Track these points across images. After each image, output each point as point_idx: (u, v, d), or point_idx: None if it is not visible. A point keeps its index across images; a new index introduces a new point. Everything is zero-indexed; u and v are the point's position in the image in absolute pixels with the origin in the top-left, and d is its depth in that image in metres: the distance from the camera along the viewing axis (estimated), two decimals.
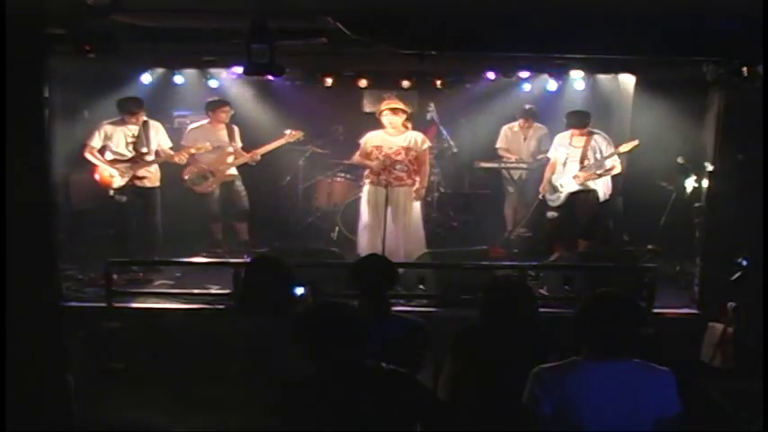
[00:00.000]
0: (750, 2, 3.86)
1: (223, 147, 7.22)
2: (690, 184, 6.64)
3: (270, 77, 6.82)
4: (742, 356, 4.94)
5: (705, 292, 5.66)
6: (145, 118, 6.74)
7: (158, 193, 6.89)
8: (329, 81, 7.97)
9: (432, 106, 8.04)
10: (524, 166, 7.93)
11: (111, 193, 6.59)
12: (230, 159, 7.22)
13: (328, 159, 8.17)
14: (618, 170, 6.91)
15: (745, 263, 5.25)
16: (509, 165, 8.00)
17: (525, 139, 7.98)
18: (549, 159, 7.18)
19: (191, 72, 7.89)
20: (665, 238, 6.97)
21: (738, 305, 5.08)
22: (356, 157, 6.79)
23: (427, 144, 6.71)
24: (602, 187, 6.96)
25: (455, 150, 8.08)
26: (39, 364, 1.51)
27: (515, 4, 4.40)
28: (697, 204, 6.26)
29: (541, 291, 6.13)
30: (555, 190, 6.97)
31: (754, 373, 4.10)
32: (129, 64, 7.21)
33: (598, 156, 6.82)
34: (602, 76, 7.93)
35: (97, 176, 6.68)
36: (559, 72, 7.59)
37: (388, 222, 6.33)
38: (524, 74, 7.79)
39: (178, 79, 7.93)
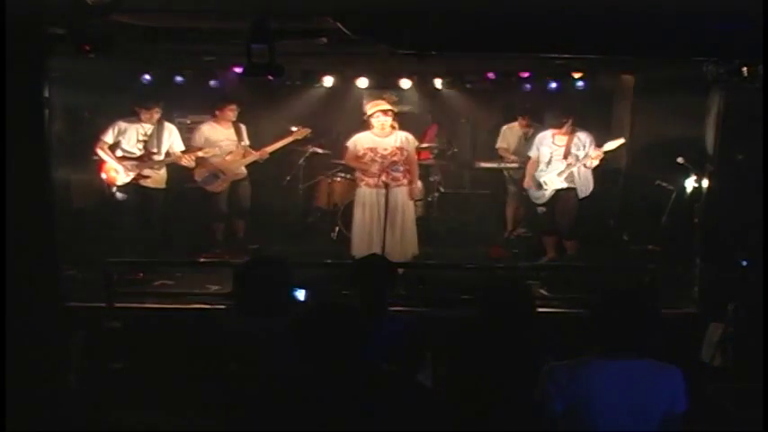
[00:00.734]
0: (750, 2, 3.86)
1: (232, 146, 7.25)
2: (690, 184, 6.64)
3: (270, 77, 6.81)
4: (742, 356, 4.94)
5: (705, 292, 5.66)
6: (159, 116, 6.74)
7: (161, 195, 6.87)
8: (329, 81, 7.97)
9: (431, 107, 8.05)
10: (523, 166, 7.93)
11: (114, 189, 6.58)
12: (240, 158, 7.25)
13: (328, 159, 8.18)
14: (596, 164, 6.81)
15: (745, 263, 5.25)
16: (509, 165, 8.01)
17: (526, 138, 7.98)
18: (530, 158, 7.13)
19: (191, 72, 7.90)
20: (665, 238, 6.98)
21: (738, 305, 5.08)
22: (348, 160, 6.71)
23: (415, 143, 6.70)
24: (585, 183, 6.93)
25: (455, 150, 8.09)
26: (39, 364, 1.51)
27: (516, 4, 4.40)
28: (697, 204, 6.26)
29: (541, 291, 6.14)
30: (540, 187, 6.94)
31: (754, 373, 4.10)
32: (129, 64, 7.21)
33: (581, 153, 6.80)
34: (602, 76, 7.93)
35: (104, 174, 6.66)
36: (559, 72, 7.59)
37: (386, 223, 6.30)
38: (524, 74, 7.79)
39: (178, 79, 7.93)
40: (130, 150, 6.69)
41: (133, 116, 6.72)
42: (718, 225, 5.64)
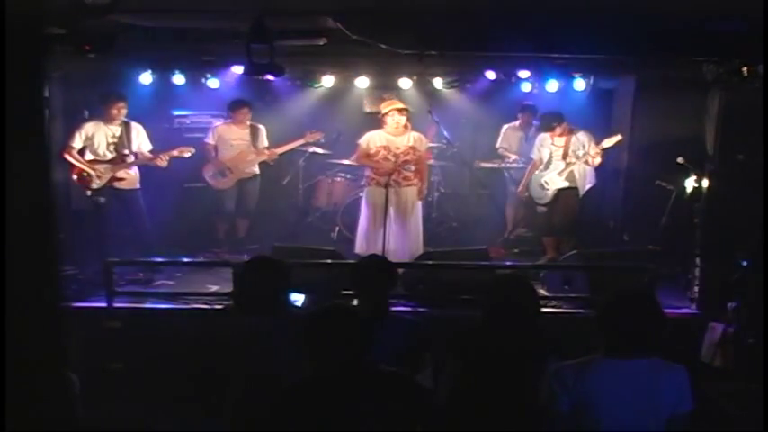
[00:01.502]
0: (750, 2, 3.86)
1: (244, 146, 7.26)
2: (690, 184, 6.64)
3: (270, 77, 6.82)
4: (742, 356, 4.93)
5: (705, 292, 5.66)
6: (126, 120, 6.69)
7: (138, 196, 6.81)
8: (329, 81, 7.96)
9: (432, 106, 8.04)
10: (525, 165, 7.93)
11: (89, 194, 6.54)
12: (250, 158, 7.27)
13: (328, 159, 8.17)
14: (599, 161, 6.85)
15: (745, 263, 5.25)
16: (509, 165, 8.00)
17: (526, 138, 7.98)
18: (532, 160, 7.20)
19: (191, 72, 7.89)
20: (665, 238, 6.97)
21: (738, 305, 5.08)
22: (359, 159, 6.72)
23: (427, 144, 6.72)
24: (587, 178, 6.96)
25: (455, 150, 8.08)
26: (39, 364, 1.51)
27: (515, 4, 4.40)
28: (697, 204, 6.26)
29: (541, 291, 6.14)
30: (542, 187, 6.97)
31: (754, 373, 4.10)
32: (129, 64, 7.20)
33: (580, 152, 6.82)
34: (602, 76, 7.93)
35: (75, 177, 6.62)
36: (559, 72, 7.58)
37: (391, 223, 6.31)
38: (524, 74, 7.78)
39: (178, 79, 7.92)
40: (102, 154, 6.64)
41: (99, 117, 6.67)
42: (718, 225, 5.64)
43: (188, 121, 8.32)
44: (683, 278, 6.36)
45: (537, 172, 7.01)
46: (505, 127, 8.15)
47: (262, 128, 7.41)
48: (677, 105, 6.84)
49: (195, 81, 7.95)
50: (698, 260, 5.87)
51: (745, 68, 4.87)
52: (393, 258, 6.13)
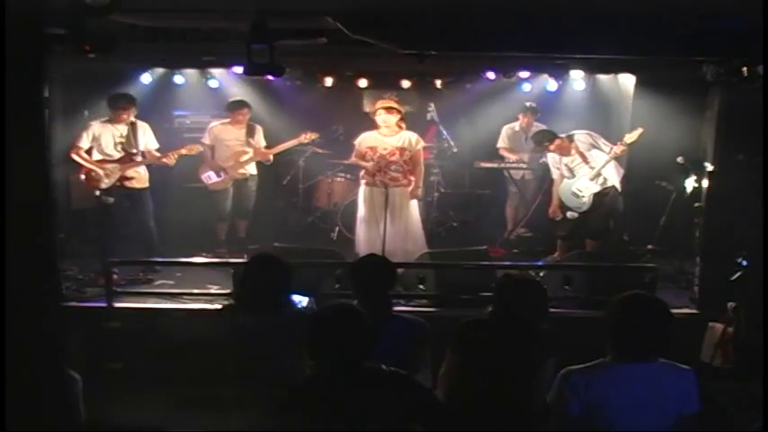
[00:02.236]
0: (750, 2, 3.86)
1: (240, 145, 7.25)
2: (690, 184, 6.64)
3: (270, 77, 6.82)
4: (742, 356, 4.94)
5: (705, 292, 5.66)
6: (133, 119, 6.69)
7: (147, 195, 6.83)
8: (329, 81, 7.97)
9: (432, 106, 8.04)
10: (525, 165, 7.93)
11: (98, 194, 6.55)
12: (245, 158, 7.25)
13: (328, 159, 8.18)
14: (621, 149, 6.63)
15: (745, 263, 5.25)
16: (509, 165, 8.00)
17: (526, 138, 7.98)
18: (552, 179, 7.10)
19: (191, 72, 7.89)
20: (665, 238, 6.97)
21: (738, 305, 5.08)
22: (352, 158, 6.78)
23: (422, 144, 6.70)
24: (615, 173, 6.83)
25: (455, 150, 8.09)
26: (39, 364, 1.51)
27: (515, 4, 4.40)
28: (697, 204, 6.26)
29: None
30: (576, 196, 6.83)
31: (754, 373, 4.10)
32: (129, 64, 7.21)
33: (595, 152, 6.74)
34: (602, 76, 7.93)
35: (83, 177, 6.63)
36: (559, 72, 7.59)
37: (386, 223, 6.31)
38: (524, 74, 7.79)
39: (178, 79, 7.93)
40: (109, 154, 6.64)
41: (105, 117, 6.67)
42: (718, 225, 5.64)
43: (188, 121, 8.33)
44: (683, 278, 6.36)
45: (563, 183, 6.91)
46: (506, 127, 8.15)
47: (259, 127, 7.40)
48: (677, 105, 6.83)
49: (195, 81, 7.96)
50: (698, 260, 5.87)
51: (745, 68, 4.87)
52: (391, 258, 6.14)
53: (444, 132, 8.02)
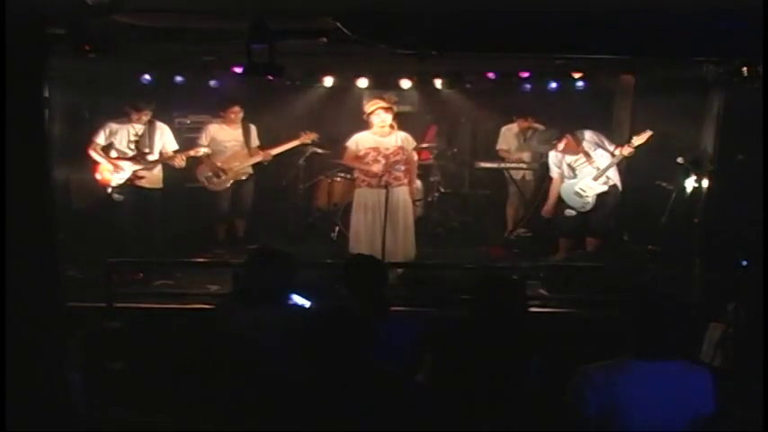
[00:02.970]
0: (750, 2, 3.86)
1: (238, 146, 7.25)
2: (690, 184, 6.63)
3: (270, 77, 6.81)
4: (742, 356, 4.93)
5: (705, 292, 5.66)
6: (150, 118, 6.74)
7: (158, 196, 6.87)
8: (329, 81, 7.97)
9: (431, 106, 8.04)
10: (524, 166, 7.93)
11: (110, 190, 6.59)
12: (243, 158, 7.27)
13: (328, 159, 8.18)
14: (628, 151, 6.64)
15: (745, 263, 5.25)
16: (509, 165, 8.00)
17: (525, 139, 7.98)
18: (551, 178, 7.06)
19: (191, 72, 7.90)
20: (665, 238, 6.97)
21: (738, 305, 5.07)
22: (348, 160, 6.65)
23: (413, 143, 6.69)
24: (617, 173, 6.84)
25: (455, 150, 8.09)
26: (39, 364, 1.51)
27: (516, 4, 4.39)
28: (697, 204, 6.26)
29: (541, 291, 6.13)
30: (579, 196, 6.81)
31: (754, 373, 4.10)
32: (129, 64, 7.20)
33: (600, 152, 6.72)
34: (602, 76, 7.93)
35: (98, 176, 6.70)
36: (559, 72, 7.59)
37: (386, 223, 6.28)
38: (524, 74, 7.79)
39: (178, 79, 7.93)
40: (122, 151, 6.70)
41: (124, 117, 6.71)
42: (718, 225, 5.64)
43: (188, 122, 8.32)
44: (682, 278, 6.36)
45: (566, 182, 6.89)
46: (504, 128, 8.16)
47: (253, 127, 7.40)
48: (677, 105, 6.83)
49: (195, 81, 7.96)
50: (698, 260, 5.86)
51: (745, 68, 4.87)
52: (390, 259, 6.14)
53: (444, 132, 8.02)
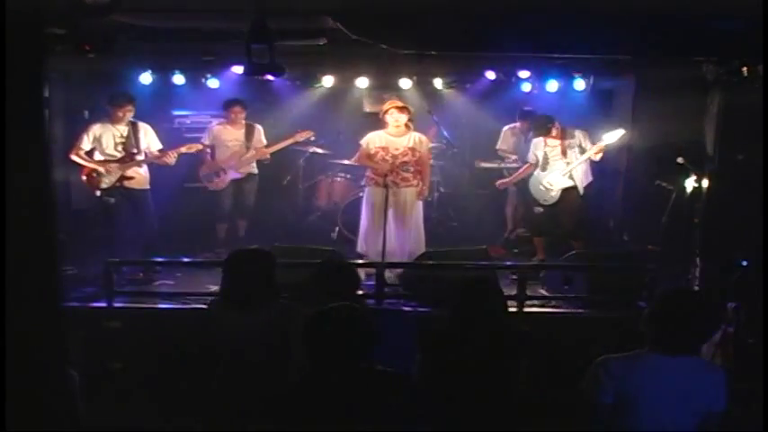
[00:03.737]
0: (750, 2, 3.86)
1: (239, 146, 7.26)
2: (690, 184, 6.64)
3: (270, 77, 6.82)
4: (742, 356, 4.93)
5: (705, 292, 5.66)
6: (133, 120, 6.66)
7: (148, 196, 6.78)
8: (329, 81, 7.97)
9: (432, 106, 8.04)
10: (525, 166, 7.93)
11: (99, 194, 6.54)
12: (244, 158, 7.26)
13: (328, 159, 8.18)
14: (600, 156, 6.75)
15: (745, 263, 5.25)
16: (509, 165, 8.00)
17: (526, 140, 7.97)
18: (528, 162, 7.09)
19: (191, 72, 7.89)
20: (665, 238, 6.97)
21: (738, 305, 5.07)
22: (360, 159, 6.66)
23: (428, 144, 6.69)
24: (585, 175, 6.90)
25: (455, 150, 8.09)
26: (39, 364, 1.51)
27: (515, 4, 4.40)
28: (697, 204, 6.26)
29: (541, 291, 6.13)
30: (546, 189, 6.86)
31: (754, 373, 4.10)
32: (129, 64, 7.20)
33: (578, 150, 6.76)
34: (602, 77, 7.93)
35: (84, 178, 6.62)
36: (559, 72, 7.59)
37: (390, 223, 6.29)
38: (524, 74, 7.78)
39: (178, 79, 7.93)
40: (111, 154, 6.62)
41: (105, 118, 6.65)
42: (718, 225, 5.64)
43: (188, 121, 8.33)
44: (683, 278, 6.36)
45: (535, 173, 6.95)
46: (506, 128, 8.15)
47: (259, 127, 7.38)
48: (677, 105, 6.83)
49: (195, 81, 7.96)
50: (698, 260, 5.86)
51: (745, 68, 4.87)
52: (393, 258, 6.15)
53: (444, 132, 8.02)
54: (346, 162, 7.64)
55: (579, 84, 7.81)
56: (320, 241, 7.58)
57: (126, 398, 4.65)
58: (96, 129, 6.63)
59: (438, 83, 8.10)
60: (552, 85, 7.91)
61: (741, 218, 5.33)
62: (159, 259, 6.56)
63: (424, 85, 8.20)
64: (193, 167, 7.37)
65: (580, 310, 5.62)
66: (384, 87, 8.25)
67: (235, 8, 4.55)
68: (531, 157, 7.01)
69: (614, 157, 7.85)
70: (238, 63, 6.21)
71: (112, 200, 6.51)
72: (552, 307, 5.80)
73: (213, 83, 7.92)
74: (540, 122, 6.94)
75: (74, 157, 6.55)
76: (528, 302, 5.61)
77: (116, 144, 6.62)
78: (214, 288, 5.93)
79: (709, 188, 5.77)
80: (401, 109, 6.37)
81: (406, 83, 8.02)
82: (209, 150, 7.27)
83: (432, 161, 7.99)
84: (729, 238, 5.49)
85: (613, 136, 6.62)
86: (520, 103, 8.13)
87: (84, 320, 5.35)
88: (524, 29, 4.70)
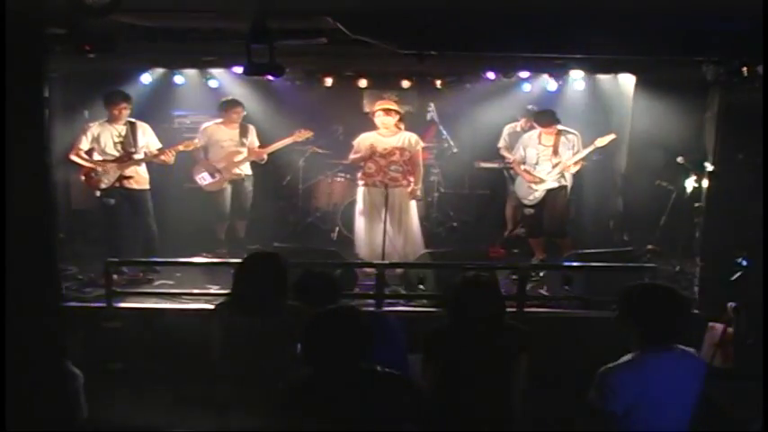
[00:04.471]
0: (750, 2, 3.86)
1: (234, 146, 7.23)
2: (690, 184, 6.65)
3: (270, 77, 6.81)
4: (742, 356, 4.93)
5: (705, 292, 5.66)
6: (131, 119, 6.65)
7: (147, 196, 6.76)
8: (329, 81, 7.97)
9: (432, 106, 8.05)
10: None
11: (98, 194, 6.54)
12: (238, 158, 7.23)
13: (328, 159, 8.17)
14: (576, 169, 6.82)
15: (745, 263, 5.25)
16: (509, 165, 8.00)
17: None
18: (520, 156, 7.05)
19: (191, 72, 7.90)
20: (665, 238, 6.98)
21: (738, 305, 5.08)
22: (353, 158, 6.75)
23: (421, 144, 6.70)
24: (570, 176, 6.90)
25: (455, 150, 8.09)
26: (39, 364, 1.51)
27: (515, 4, 4.39)
28: (697, 204, 6.26)
29: (541, 291, 6.14)
30: (530, 188, 6.87)
31: (754, 373, 4.10)
32: (129, 64, 7.20)
33: (569, 153, 6.75)
34: (602, 76, 7.93)
35: (83, 178, 6.61)
36: (559, 72, 7.59)
37: (385, 223, 6.30)
38: (524, 74, 7.79)
39: (178, 79, 7.94)
40: (110, 153, 6.60)
41: (103, 118, 6.65)
42: (718, 225, 5.64)
43: (188, 121, 8.32)
44: (683, 278, 6.36)
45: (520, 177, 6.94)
46: (507, 127, 8.14)
47: (252, 127, 7.36)
48: (677, 105, 6.83)
49: (195, 81, 7.96)
50: (698, 260, 5.87)
51: (745, 68, 4.87)
52: (390, 259, 6.15)
53: (444, 132, 8.02)
54: (346, 162, 7.64)
55: (579, 84, 7.81)
56: (320, 241, 7.60)
57: (126, 398, 4.65)
58: (95, 128, 6.62)
59: (438, 83, 8.11)
60: (552, 85, 7.92)
61: (741, 218, 5.33)
62: (159, 259, 6.56)
63: (424, 85, 8.21)
64: (189, 168, 7.35)
65: (580, 310, 5.62)
66: (384, 87, 8.26)
67: (235, 8, 4.55)
68: (517, 154, 7.00)
69: (614, 157, 7.86)
70: (238, 63, 6.21)
71: (112, 201, 6.50)
72: (552, 307, 5.80)
73: (213, 83, 7.94)
74: (548, 117, 6.92)
75: (73, 157, 6.55)
76: (528, 302, 5.61)
77: (114, 143, 6.61)
78: (214, 288, 5.96)
79: (709, 188, 5.77)
80: (387, 111, 6.45)
81: (406, 83, 8.02)
82: (201, 150, 7.21)
83: (431, 161, 8.02)
84: (729, 238, 5.49)
85: (604, 140, 6.67)
86: (520, 102, 8.13)
87: (85, 320, 5.36)
88: (524, 29, 4.70)
